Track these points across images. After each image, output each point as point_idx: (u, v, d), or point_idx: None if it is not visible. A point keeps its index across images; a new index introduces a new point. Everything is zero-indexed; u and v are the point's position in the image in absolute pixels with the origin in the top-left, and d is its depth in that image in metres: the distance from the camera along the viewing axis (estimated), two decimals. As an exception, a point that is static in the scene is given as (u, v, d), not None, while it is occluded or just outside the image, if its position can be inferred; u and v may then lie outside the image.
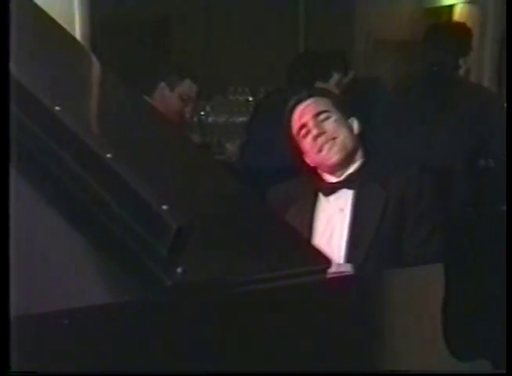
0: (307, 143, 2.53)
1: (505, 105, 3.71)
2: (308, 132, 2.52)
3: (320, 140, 2.50)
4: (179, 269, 1.21)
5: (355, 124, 2.58)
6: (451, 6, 6.41)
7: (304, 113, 2.54)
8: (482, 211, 3.15)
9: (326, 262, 1.46)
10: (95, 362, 1.09)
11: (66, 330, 1.08)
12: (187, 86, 3.53)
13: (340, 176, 2.52)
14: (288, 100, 2.63)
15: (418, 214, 2.43)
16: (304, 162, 2.56)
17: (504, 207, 1.99)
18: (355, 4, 6.68)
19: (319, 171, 2.56)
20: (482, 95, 3.63)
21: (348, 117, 2.58)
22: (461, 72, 3.63)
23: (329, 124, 2.52)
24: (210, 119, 5.57)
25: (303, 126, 2.53)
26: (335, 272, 1.50)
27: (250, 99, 5.79)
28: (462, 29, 3.87)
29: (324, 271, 1.43)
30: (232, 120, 5.59)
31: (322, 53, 4.31)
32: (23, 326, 1.05)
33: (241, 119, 5.44)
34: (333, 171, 2.53)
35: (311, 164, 2.55)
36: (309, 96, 2.59)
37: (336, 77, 4.05)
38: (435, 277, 1.49)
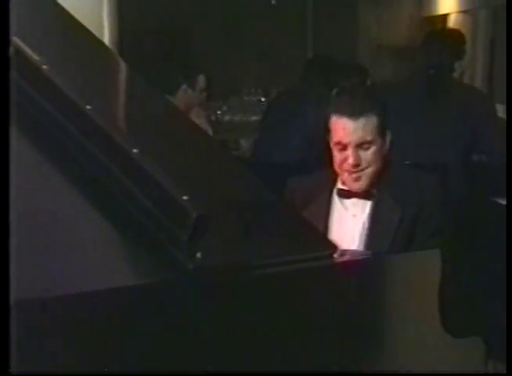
0: (338, 156, 2.32)
1: (495, 104, 3.71)
2: (342, 149, 2.30)
3: (353, 168, 2.29)
4: (199, 254, 1.21)
5: (387, 140, 2.35)
6: (446, 15, 6.39)
7: (348, 133, 2.28)
8: (478, 202, 3.14)
9: (333, 247, 1.46)
10: (119, 341, 1.09)
11: (95, 311, 1.08)
12: (202, 81, 3.76)
13: (358, 190, 2.35)
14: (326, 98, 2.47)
15: (431, 228, 2.31)
16: (330, 158, 2.35)
17: (497, 200, 1.98)
18: (360, 12, 6.68)
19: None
20: (475, 95, 3.63)
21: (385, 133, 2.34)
22: (456, 74, 3.63)
23: (367, 155, 2.29)
24: (226, 118, 5.60)
25: (341, 143, 2.30)
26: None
27: (263, 99, 5.80)
28: (456, 35, 3.86)
29: (331, 256, 1.43)
30: (246, 118, 5.61)
31: (338, 62, 4.31)
32: (46, 307, 1.05)
33: (254, 118, 5.46)
34: (353, 188, 2.35)
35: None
36: (363, 112, 2.28)
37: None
38: (436, 262, 1.48)
